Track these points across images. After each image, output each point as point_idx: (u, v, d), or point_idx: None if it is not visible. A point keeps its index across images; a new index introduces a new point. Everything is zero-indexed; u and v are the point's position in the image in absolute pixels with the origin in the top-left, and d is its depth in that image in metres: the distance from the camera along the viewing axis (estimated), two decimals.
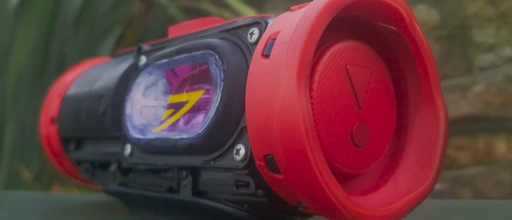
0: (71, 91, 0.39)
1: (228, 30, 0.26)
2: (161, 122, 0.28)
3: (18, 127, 0.79)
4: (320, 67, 0.22)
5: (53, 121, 0.40)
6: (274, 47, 0.21)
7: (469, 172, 0.80)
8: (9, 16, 0.82)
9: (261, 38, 0.23)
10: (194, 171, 0.27)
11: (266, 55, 0.22)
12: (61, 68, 0.79)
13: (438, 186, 0.24)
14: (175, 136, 0.27)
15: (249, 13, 0.75)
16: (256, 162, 0.22)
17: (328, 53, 0.22)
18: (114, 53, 0.41)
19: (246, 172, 0.23)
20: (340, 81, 0.22)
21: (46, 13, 0.82)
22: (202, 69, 0.27)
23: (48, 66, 0.84)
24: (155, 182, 0.29)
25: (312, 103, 0.21)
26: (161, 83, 0.30)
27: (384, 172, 0.24)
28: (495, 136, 0.79)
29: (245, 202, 0.25)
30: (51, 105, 0.40)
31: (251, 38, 0.25)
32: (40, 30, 0.81)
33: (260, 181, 0.22)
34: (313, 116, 0.21)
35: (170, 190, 0.28)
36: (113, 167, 0.33)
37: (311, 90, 0.21)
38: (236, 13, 0.78)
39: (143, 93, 0.30)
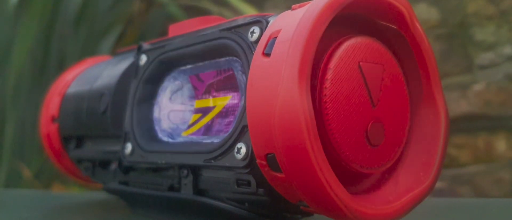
0: (72, 90, 0.39)
1: (228, 29, 0.26)
2: (189, 126, 0.29)
3: (18, 126, 0.79)
4: (332, 64, 0.21)
5: (53, 119, 0.40)
6: (275, 46, 0.21)
7: (469, 171, 0.80)
8: (9, 14, 0.82)
9: (262, 37, 0.23)
10: (195, 170, 0.27)
11: (267, 54, 0.21)
12: (61, 67, 0.79)
13: (438, 185, 0.24)
14: (206, 140, 0.27)
15: (249, 11, 0.75)
16: (257, 160, 0.22)
17: (341, 49, 0.22)
18: (114, 52, 0.41)
19: (247, 170, 0.23)
20: (353, 78, 0.21)
21: (46, 11, 0.82)
22: (227, 75, 0.27)
23: (48, 65, 0.84)
24: (156, 180, 0.29)
25: (325, 101, 0.21)
26: (187, 88, 0.30)
27: (385, 170, 0.24)
28: (495, 135, 0.79)
29: (246, 201, 0.25)
30: (52, 104, 0.40)
31: (251, 37, 0.25)
32: (40, 28, 0.81)
33: (261, 180, 0.23)
34: (327, 114, 0.21)
35: (171, 188, 0.28)
36: (113, 166, 0.33)
37: (324, 87, 0.21)
38: (236, 11, 0.78)
39: (170, 98, 0.30)
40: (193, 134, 0.28)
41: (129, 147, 0.30)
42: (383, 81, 0.23)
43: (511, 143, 0.78)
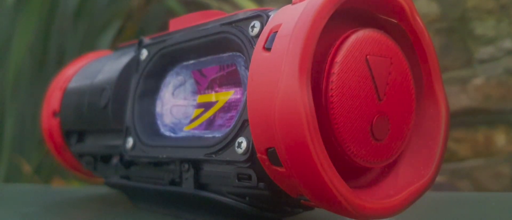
0: (73, 84, 0.39)
1: (229, 23, 0.26)
2: (192, 121, 0.29)
3: (18, 120, 0.79)
4: (339, 58, 0.21)
5: (54, 114, 0.40)
6: (275, 40, 0.21)
7: (469, 165, 0.81)
8: (8, 9, 0.82)
9: (263, 31, 0.23)
10: (196, 164, 0.27)
11: (267, 49, 0.21)
12: (61, 61, 0.79)
13: (437, 179, 0.24)
14: (208, 134, 0.27)
15: (249, 6, 0.75)
16: (258, 155, 0.22)
17: (348, 43, 0.22)
18: (114, 46, 0.41)
19: (247, 165, 0.23)
20: (360, 72, 0.21)
21: (45, 6, 0.81)
22: (230, 71, 0.27)
23: (48, 59, 0.84)
24: (157, 174, 0.29)
25: (332, 96, 0.21)
26: (189, 84, 0.30)
27: (385, 164, 0.24)
28: (495, 129, 0.79)
29: (247, 195, 0.25)
30: (53, 98, 0.40)
31: (252, 31, 0.25)
32: (40, 23, 0.81)
33: (262, 174, 0.23)
34: (332, 108, 0.21)
35: (172, 182, 0.28)
36: (115, 160, 0.33)
37: (330, 81, 0.21)
38: (235, 6, 0.78)
39: (172, 93, 0.31)
40: (195, 128, 0.28)
41: (130, 141, 0.30)
42: (390, 75, 0.22)
43: (511, 137, 0.78)
